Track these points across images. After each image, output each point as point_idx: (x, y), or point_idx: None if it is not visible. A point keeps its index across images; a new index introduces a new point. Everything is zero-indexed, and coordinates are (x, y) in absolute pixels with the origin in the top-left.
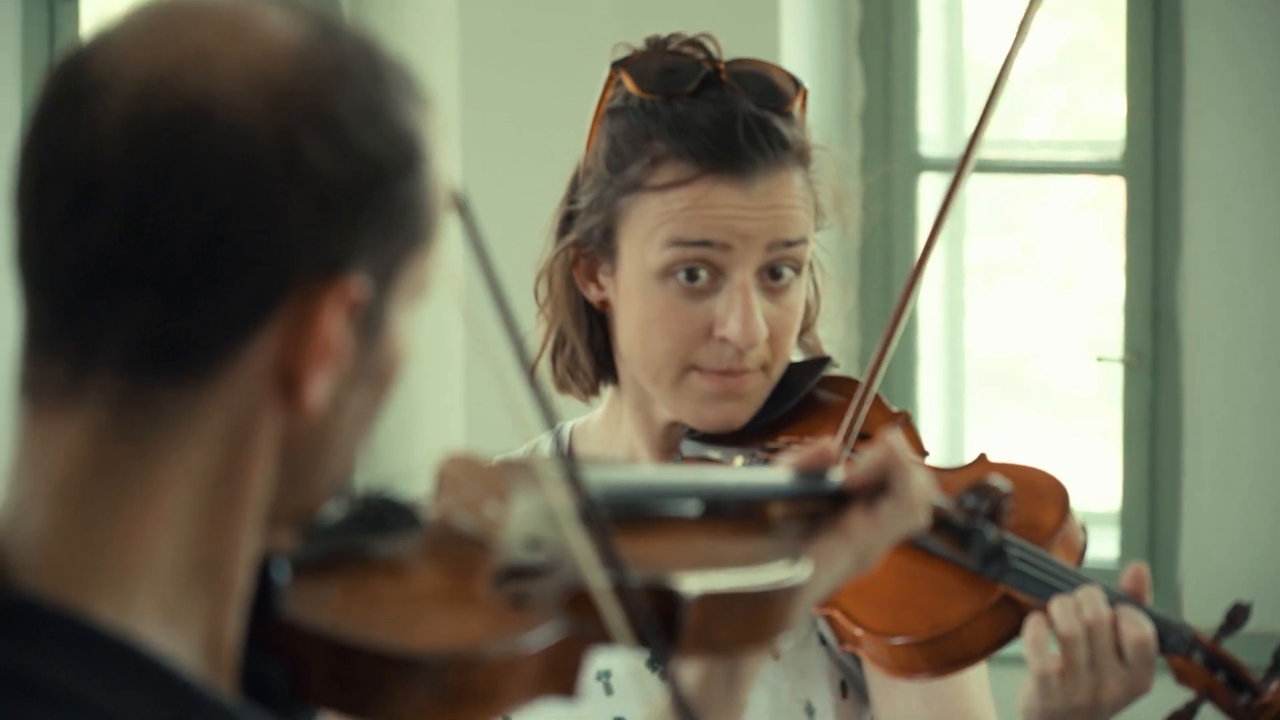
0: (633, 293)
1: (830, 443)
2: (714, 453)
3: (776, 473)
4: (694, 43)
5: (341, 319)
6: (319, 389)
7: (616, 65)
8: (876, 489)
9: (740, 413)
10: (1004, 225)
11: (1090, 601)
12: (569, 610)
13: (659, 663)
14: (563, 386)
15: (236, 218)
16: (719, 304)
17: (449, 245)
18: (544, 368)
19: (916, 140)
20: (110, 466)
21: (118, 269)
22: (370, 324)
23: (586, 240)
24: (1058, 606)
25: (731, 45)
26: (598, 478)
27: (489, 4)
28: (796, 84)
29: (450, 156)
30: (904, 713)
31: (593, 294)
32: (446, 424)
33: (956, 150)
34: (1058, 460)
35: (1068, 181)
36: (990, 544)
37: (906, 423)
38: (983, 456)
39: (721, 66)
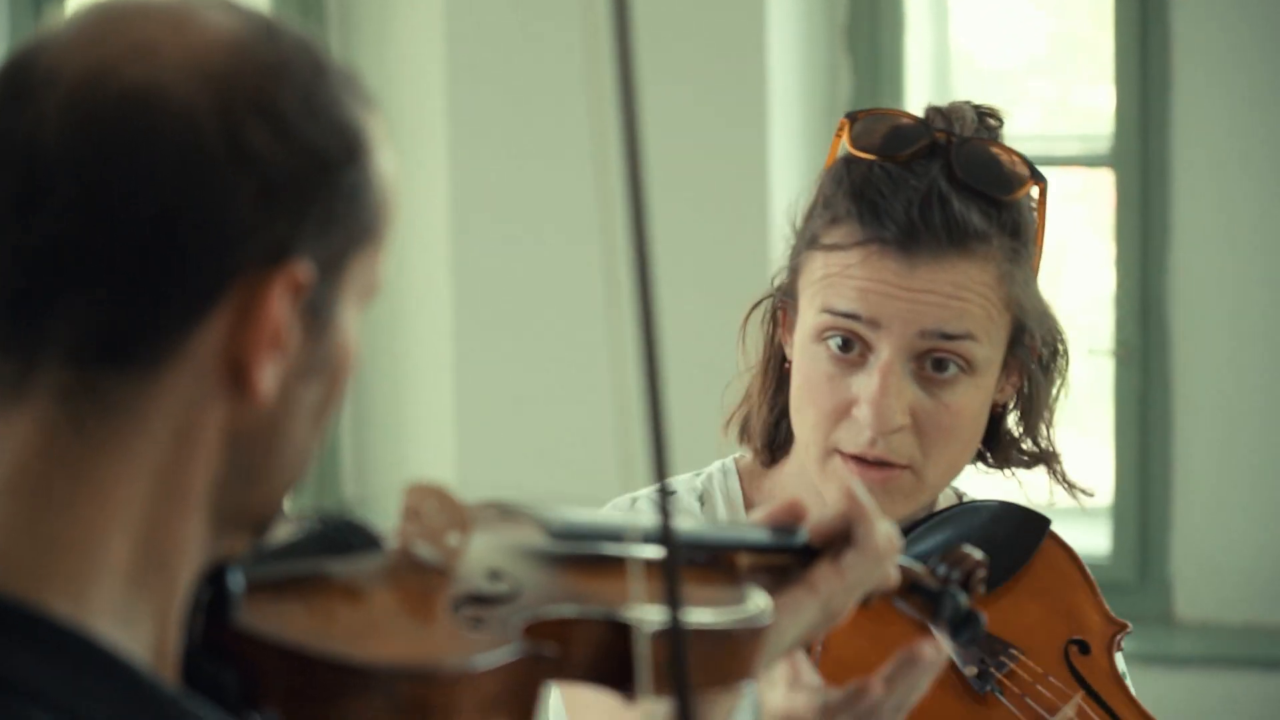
0: (798, 352)
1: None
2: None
3: (747, 525)
4: (945, 113)
5: (288, 305)
6: (268, 377)
7: (849, 115)
8: (841, 541)
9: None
10: None
11: None
12: (527, 635)
13: (631, 698)
14: (740, 438)
15: (183, 205)
16: (859, 380)
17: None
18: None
19: None
20: (61, 460)
21: (64, 261)
22: (317, 316)
23: (781, 291)
24: None
25: (716, 41)
26: (563, 517)
27: (475, 10)
28: (1033, 176)
29: (438, 164)
30: None
31: (790, 350)
32: (438, 446)
33: None
34: None
35: (1056, 174)
36: (961, 610)
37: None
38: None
39: (954, 141)
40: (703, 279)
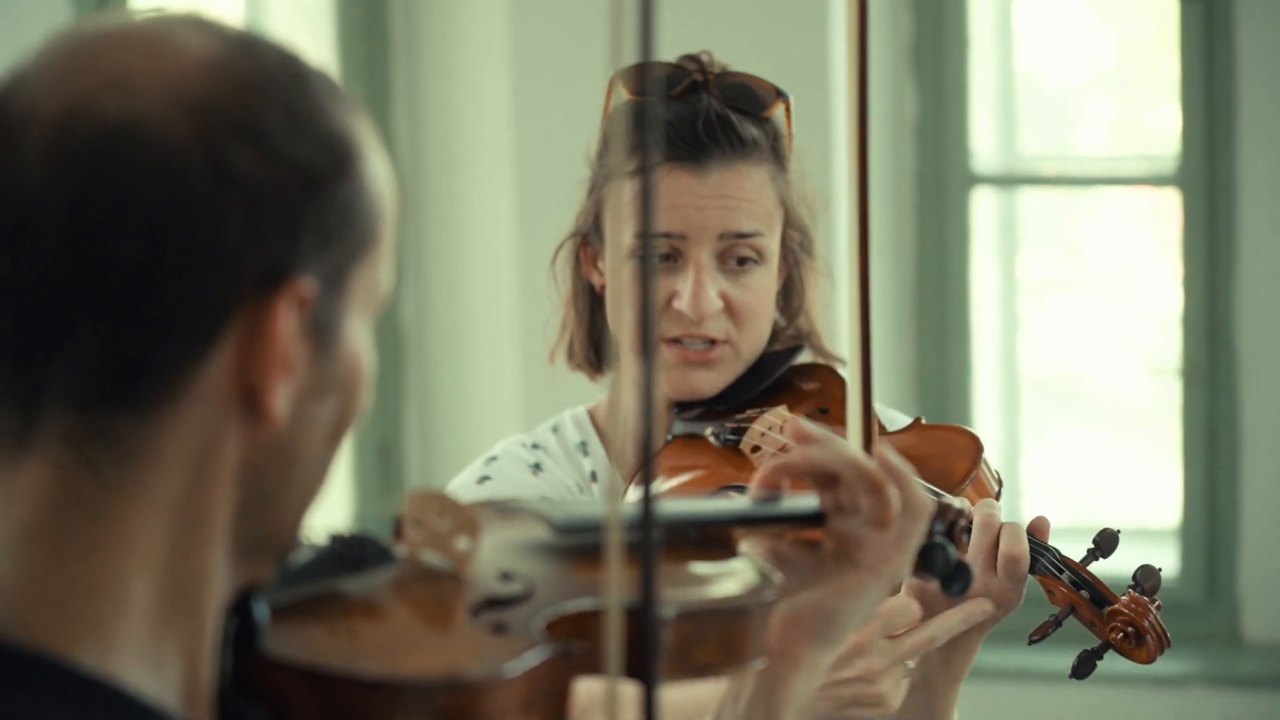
0: (612, 273)
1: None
2: (696, 427)
3: (737, 500)
4: (695, 58)
5: (293, 325)
6: (281, 400)
7: (617, 74)
8: (856, 507)
9: (707, 382)
10: (1057, 239)
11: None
12: (550, 634)
13: (646, 687)
14: (573, 366)
15: (170, 234)
16: (677, 280)
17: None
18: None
19: (968, 155)
20: (78, 504)
21: (55, 305)
22: (324, 333)
23: (586, 228)
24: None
25: (782, 60)
26: (561, 511)
27: (539, 7)
28: (779, 95)
29: (504, 158)
30: None
31: (595, 279)
32: (501, 416)
33: (1008, 165)
34: (1115, 475)
35: (1122, 194)
36: (952, 561)
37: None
38: (918, 420)
39: (711, 77)
40: None
